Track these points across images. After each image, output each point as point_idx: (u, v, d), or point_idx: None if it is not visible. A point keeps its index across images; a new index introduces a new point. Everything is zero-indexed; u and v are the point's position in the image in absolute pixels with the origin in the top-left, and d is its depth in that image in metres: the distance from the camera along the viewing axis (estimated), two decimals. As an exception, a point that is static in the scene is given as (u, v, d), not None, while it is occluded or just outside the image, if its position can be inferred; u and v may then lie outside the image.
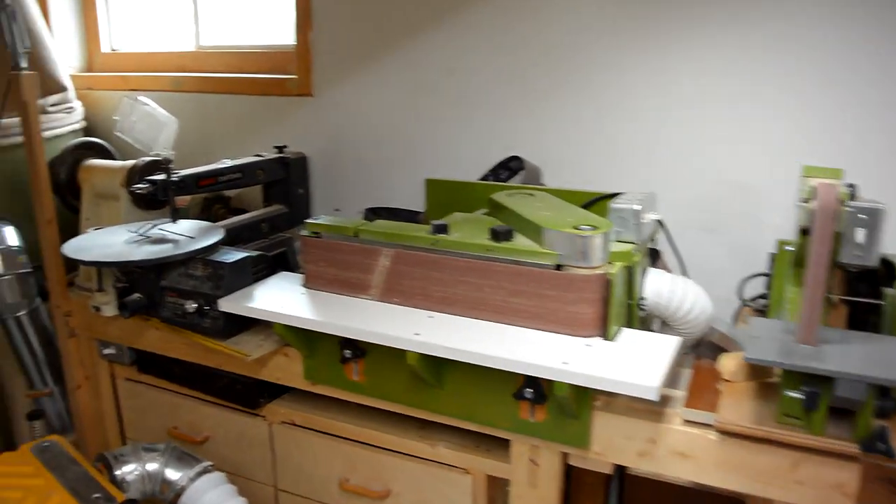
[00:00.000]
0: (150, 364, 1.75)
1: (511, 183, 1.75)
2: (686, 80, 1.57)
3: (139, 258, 1.38)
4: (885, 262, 1.18)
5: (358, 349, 1.35)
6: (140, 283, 1.51)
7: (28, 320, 1.85)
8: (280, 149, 1.86)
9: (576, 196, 1.49)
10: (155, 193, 1.49)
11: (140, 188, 1.47)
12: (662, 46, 1.57)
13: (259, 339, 1.47)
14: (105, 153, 1.93)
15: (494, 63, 1.75)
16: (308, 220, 1.43)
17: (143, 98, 1.44)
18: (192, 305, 1.43)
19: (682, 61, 1.56)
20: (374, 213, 1.84)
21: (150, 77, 2.22)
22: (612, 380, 1.07)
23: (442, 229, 1.30)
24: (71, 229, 1.90)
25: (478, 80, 1.77)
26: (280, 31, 2.15)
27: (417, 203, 1.90)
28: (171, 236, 1.52)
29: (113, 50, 2.42)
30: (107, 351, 1.77)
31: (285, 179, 1.84)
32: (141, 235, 1.51)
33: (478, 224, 1.36)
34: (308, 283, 1.44)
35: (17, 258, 1.83)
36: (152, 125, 1.46)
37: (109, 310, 1.64)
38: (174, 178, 1.50)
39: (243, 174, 1.71)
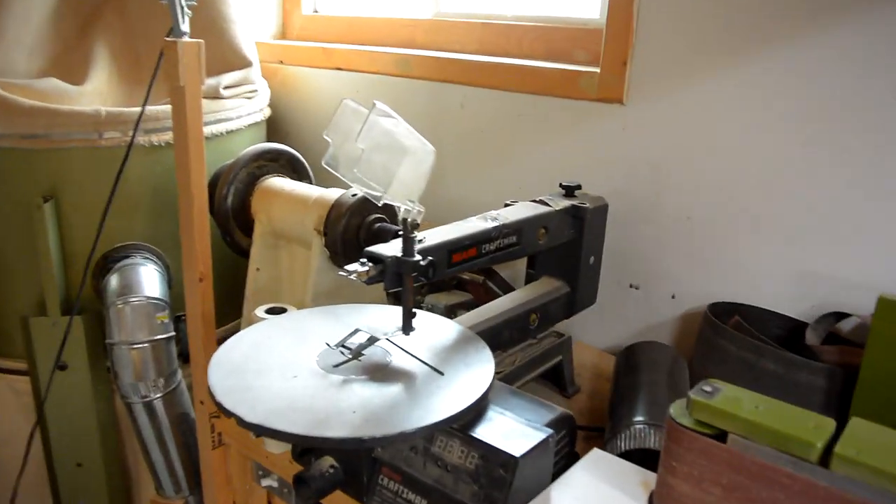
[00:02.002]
0: (328, 515, 1.09)
1: None
2: None
3: (346, 434, 0.68)
4: None
5: None
6: (336, 440, 0.82)
7: (162, 405, 1.24)
8: (569, 190, 1.11)
9: None
10: (381, 279, 0.80)
11: (357, 272, 0.78)
12: None
13: None
14: (297, 168, 1.28)
15: None
16: (694, 396, 0.68)
17: (382, 106, 0.74)
18: (434, 524, 0.72)
19: None
20: (717, 314, 1.06)
21: (362, 53, 1.55)
22: None
23: None
24: (232, 277, 1.28)
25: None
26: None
27: (789, 303, 1.10)
28: (399, 361, 0.82)
29: (316, 12, 1.78)
30: (266, 482, 1.13)
31: (576, 241, 1.10)
32: (348, 353, 0.82)
33: None
34: (669, 514, 0.70)
35: (156, 317, 1.22)
36: (391, 155, 0.76)
37: (276, 446, 0.98)
38: (418, 257, 0.79)
39: (520, 238, 0.99)
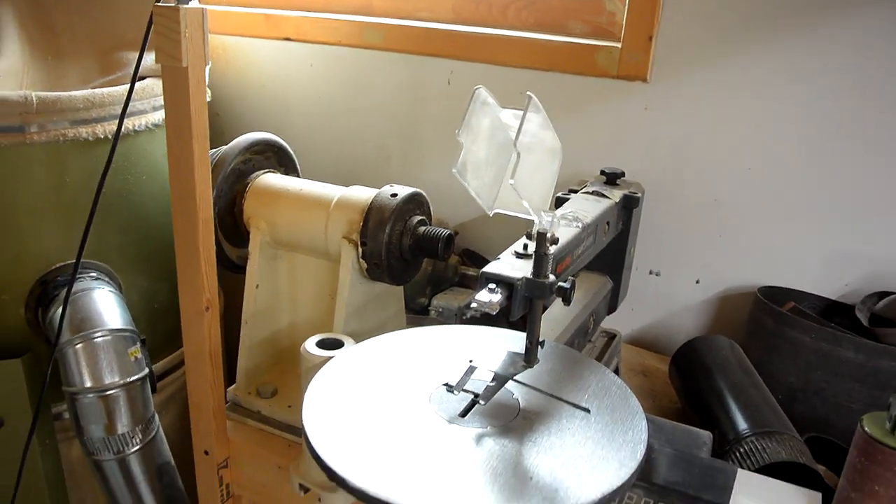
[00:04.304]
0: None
1: None
2: None
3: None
4: None
5: None
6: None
7: (140, 459, 1.02)
8: (611, 178, 1.02)
9: None
10: (506, 309, 0.67)
11: (486, 304, 0.64)
12: None
13: None
14: (283, 161, 1.08)
15: None
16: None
17: (535, 99, 0.60)
18: None
19: None
20: (771, 298, 1.03)
21: (319, 21, 1.35)
22: None
23: None
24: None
25: None
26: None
27: (822, 283, 1.10)
28: (527, 399, 0.70)
29: (238, -29, 1.53)
30: (295, 537, 0.96)
31: (623, 233, 1.02)
32: (471, 397, 0.68)
33: None
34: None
35: (128, 353, 0.99)
36: (539, 159, 0.63)
37: (339, 502, 0.82)
38: (552, 278, 0.67)
39: (595, 237, 0.88)
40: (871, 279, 1.07)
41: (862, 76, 1.01)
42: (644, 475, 0.65)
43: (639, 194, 1.01)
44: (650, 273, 1.21)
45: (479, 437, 0.64)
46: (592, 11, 1.21)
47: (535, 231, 0.66)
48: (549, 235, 0.66)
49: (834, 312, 1.09)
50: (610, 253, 1.03)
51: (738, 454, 0.81)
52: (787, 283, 1.11)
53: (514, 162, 0.59)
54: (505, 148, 0.65)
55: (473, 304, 0.65)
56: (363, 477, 0.57)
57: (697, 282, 1.18)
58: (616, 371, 1.03)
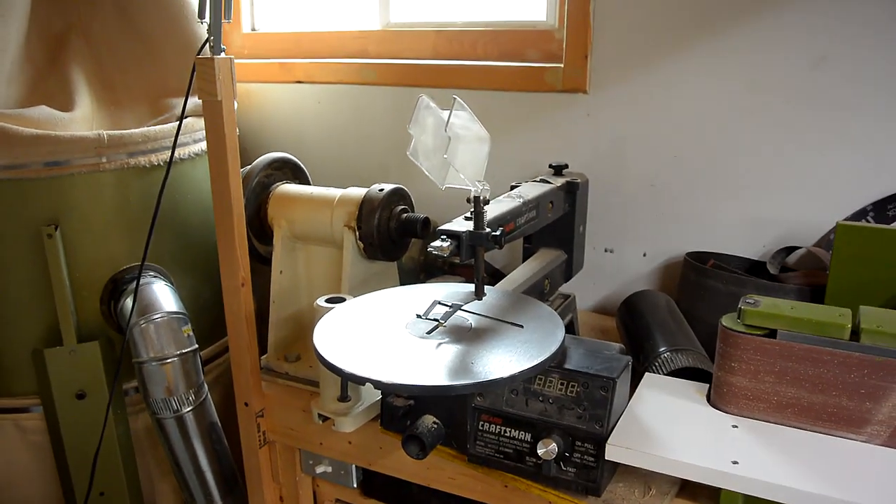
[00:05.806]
0: (384, 487, 1.19)
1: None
2: None
3: (471, 380, 0.79)
4: None
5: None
6: (433, 398, 0.93)
7: (193, 418, 1.28)
8: (558, 169, 1.28)
9: None
10: (457, 252, 0.92)
11: (441, 248, 0.89)
12: None
13: (646, 488, 0.89)
14: (298, 175, 1.35)
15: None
16: (744, 307, 0.85)
17: (459, 100, 0.86)
18: (549, 449, 0.85)
19: None
20: (698, 260, 1.26)
21: (324, 65, 1.64)
22: None
23: None
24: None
25: (864, 74, 1.18)
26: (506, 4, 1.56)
27: (744, 246, 1.32)
28: (478, 323, 0.94)
29: (254, 30, 1.84)
30: (321, 469, 1.20)
31: (569, 214, 1.26)
32: (434, 321, 0.93)
33: None
34: (726, 405, 0.88)
35: (182, 330, 1.25)
36: (471, 142, 0.88)
37: (349, 424, 1.06)
38: (488, 230, 0.92)
39: (537, 212, 1.13)
40: (782, 239, 1.29)
41: (761, 74, 1.25)
42: (560, 365, 0.88)
43: (579, 181, 1.25)
44: (605, 251, 1.44)
45: (439, 345, 0.89)
46: (545, 41, 1.48)
47: (472, 196, 0.91)
48: (482, 198, 0.91)
49: (756, 271, 1.31)
50: (562, 231, 1.28)
51: (654, 366, 1.04)
52: (715, 249, 1.34)
53: (447, 144, 0.85)
54: (446, 139, 0.91)
55: (429, 249, 0.90)
56: (352, 365, 0.82)
57: (644, 254, 1.41)
58: (571, 326, 1.27)
